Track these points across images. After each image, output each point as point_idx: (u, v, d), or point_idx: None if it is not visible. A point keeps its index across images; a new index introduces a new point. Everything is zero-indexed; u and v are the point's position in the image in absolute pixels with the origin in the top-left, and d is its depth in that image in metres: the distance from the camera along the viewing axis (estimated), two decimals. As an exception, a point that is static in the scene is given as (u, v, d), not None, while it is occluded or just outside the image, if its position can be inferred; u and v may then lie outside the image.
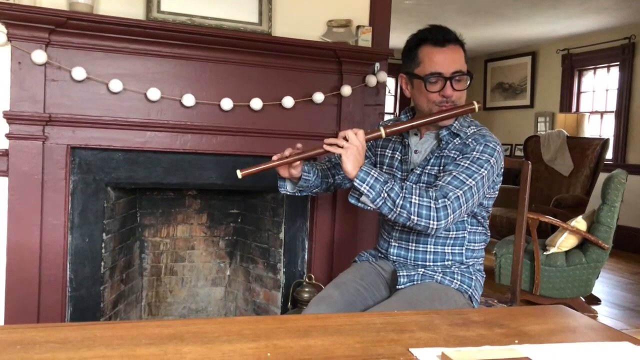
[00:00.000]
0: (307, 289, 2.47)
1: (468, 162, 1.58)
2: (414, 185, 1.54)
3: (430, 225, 1.49)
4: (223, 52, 2.30)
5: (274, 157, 1.69)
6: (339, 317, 1.16)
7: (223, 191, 2.77)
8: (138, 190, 2.61)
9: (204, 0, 2.29)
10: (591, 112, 6.40)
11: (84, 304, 2.23)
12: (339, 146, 1.54)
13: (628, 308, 3.69)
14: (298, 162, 1.71)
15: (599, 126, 6.39)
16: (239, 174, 1.64)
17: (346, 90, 2.45)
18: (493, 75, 7.83)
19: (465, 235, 1.69)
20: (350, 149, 1.52)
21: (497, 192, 1.72)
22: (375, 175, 1.50)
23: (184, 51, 2.25)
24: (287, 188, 1.82)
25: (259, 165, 1.66)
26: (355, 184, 1.51)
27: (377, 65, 2.54)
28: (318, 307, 1.60)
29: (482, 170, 1.57)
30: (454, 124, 1.67)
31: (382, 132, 1.62)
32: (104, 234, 2.26)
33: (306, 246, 2.59)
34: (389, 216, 1.52)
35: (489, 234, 1.78)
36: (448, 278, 1.65)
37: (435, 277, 1.65)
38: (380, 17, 2.61)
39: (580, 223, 3.44)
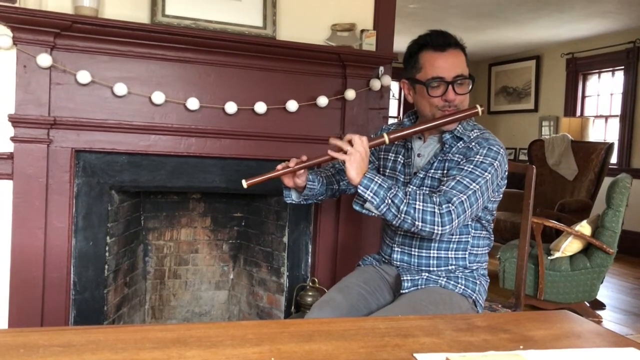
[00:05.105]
0: (310, 293, 2.47)
1: (472, 166, 1.57)
2: (417, 191, 1.53)
3: (435, 231, 1.49)
4: (227, 55, 2.30)
5: (279, 167, 1.69)
6: (343, 322, 1.16)
7: (227, 195, 2.77)
8: (142, 194, 2.62)
9: (208, 4, 2.30)
10: (595, 116, 6.38)
11: (88, 307, 2.23)
12: (343, 151, 1.54)
13: (633, 313, 3.68)
14: (303, 171, 1.70)
15: (604, 130, 6.37)
16: (244, 183, 1.64)
17: (350, 94, 2.45)
18: (497, 79, 7.82)
19: (469, 239, 1.69)
20: (354, 155, 1.52)
21: (501, 196, 1.72)
22: (379, 182, 1.50)
23: (188, 55, 2.25)
24: (293, 197, 1.81)
25: (263, 175, 1.66)
26: (359, 190, 1.51)
27: (381, 69, 2.54)
28: (321, 311, 1.60)
29: (486, 174, 1.56)
30: (457, 128, 1.67)
31: (386, 138, 1.61)
32: (107, 237, 2.27)
33: (310, 250, 2.59)
34: (394, 222, 1.52)
35: (492, 238, 1.78)
36: (452, 282, 1.65)
37: (440, 281, 1.65)
38: (384, 21, 2.61)
39: (584, 227, 3.43)
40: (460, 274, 1.67)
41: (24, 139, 2.07)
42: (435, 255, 1.68)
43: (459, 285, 1.65)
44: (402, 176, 1.74)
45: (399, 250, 1.73)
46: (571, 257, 3.46)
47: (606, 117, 6.38)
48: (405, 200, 1.48)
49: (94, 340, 0.93)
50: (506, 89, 7.68)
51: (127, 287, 2.54)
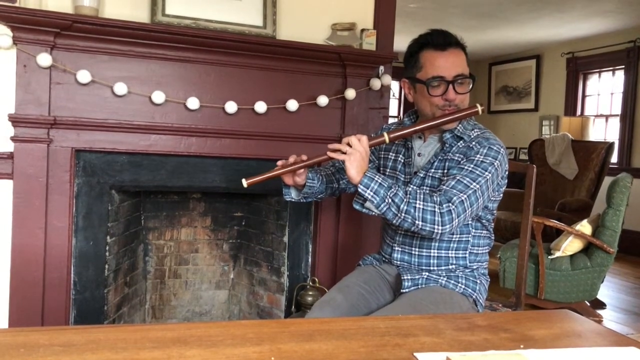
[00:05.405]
0: (310, 293, 2.47)
1: (472, 165, 1.57)
2: (418, 190, 1.53)
3: (435, 230, 1.49)
4: (227, 55, 2.30)
5: (279, 163, 1.69)
6: (343, 321, 1.16)
7: (227, 194, 2.77)
8: (142, 193, 2.62)
9: (208, 3, 2.30)
10: (596, 116, 6.38)
11: (88, 307, 2.23)
12: (342, 152, 1.54)
13: (633, 312, 3.67)
14: (302, 170, 1.71)
15: (604, 130, 6.37)
16: (245, 183, 1.64)
17: (350, 93, 2.45)
18: (497, 78, 7.82)
19: (470, 239, 1.69)
20: (354, 154, 1.52)
21: (501, 195, 1.72)
22: (379, 181, 1.50)
23: (188, 54, 2.25)
24: (292, 195, 1.82)
25: (263, 174, 1.66)
26: (359, 189, 1.51)
27: (382, 68, 2.54)
28: (322, 311, 1.60)
29: (486, 173, 1.56)
30: (458, 127, 1.67)
31: (386, 137, 1.61)
32: (108, 237, 2.27)
33: (310, 249, 2.58)
34: (394, 221, 1.52)
35: (493, 237, 1.77)
36: (452, 282, 1.65)
37: (440, 281, 1.64)
38: (384, 21, 2.61)
39: (585, 227, 3.43)
40: (461, 273, 1.67)
41: (24, 139, 2.07)
42: (436, 254, 1.67)
43: (460, 285, 1.65)
44: (403, 175, 1.74)
45: (400, 249, 1.72)
46: (572, 256, 3.46)
47: (606, 117, 6.37)
48: (405, 200, 1.48)
49: (94, 340, 0.93)
50: (506, 88, 7.68)
51: (127, 286, 2.54)
